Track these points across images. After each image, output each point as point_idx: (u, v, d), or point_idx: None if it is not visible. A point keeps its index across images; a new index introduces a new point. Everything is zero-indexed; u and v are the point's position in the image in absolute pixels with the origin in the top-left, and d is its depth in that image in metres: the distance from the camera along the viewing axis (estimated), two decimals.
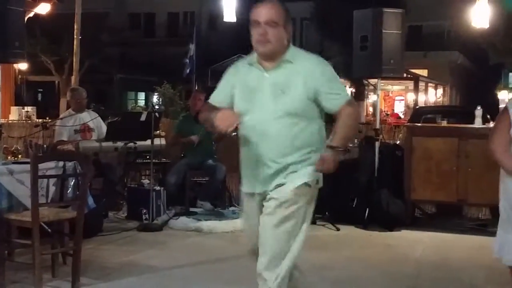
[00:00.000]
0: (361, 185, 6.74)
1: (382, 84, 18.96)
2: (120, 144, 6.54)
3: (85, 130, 6.67)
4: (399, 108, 27.57)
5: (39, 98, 29.84)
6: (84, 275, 4.51)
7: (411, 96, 26.85)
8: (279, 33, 3.04)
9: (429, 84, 27.10)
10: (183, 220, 6.44)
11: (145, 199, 6.42)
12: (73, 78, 10.09)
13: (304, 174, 3.13)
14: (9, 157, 4.88)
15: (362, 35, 6.76)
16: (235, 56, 28.73)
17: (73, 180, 4.86)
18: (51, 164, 4.72)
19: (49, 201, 4.54)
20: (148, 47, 30.60)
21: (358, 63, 6.92)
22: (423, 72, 26.04)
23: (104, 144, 6.51)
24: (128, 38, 29.72)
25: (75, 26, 9.31)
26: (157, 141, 6.63)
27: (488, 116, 6.99)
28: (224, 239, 6.00)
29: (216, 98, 3.27)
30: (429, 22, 27.41)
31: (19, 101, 15.52)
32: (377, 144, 6.78)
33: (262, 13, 3.09)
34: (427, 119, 10.26)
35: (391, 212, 6.49)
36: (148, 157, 6.99)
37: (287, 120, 2.99)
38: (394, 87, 29.49)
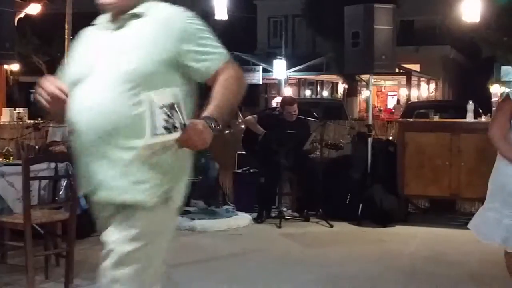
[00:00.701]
0: (354, 181, 6.75)
1: (375, 80, 19.03)
2: None
3: None
4: (392, 104, 27.65)
5: (31, 99, 29.72)
6: (78, 276, 4.49)
7: (403, 91, 26.92)
8: None
9: (422, 79, 27.17)
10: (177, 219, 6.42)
11: None
12: None
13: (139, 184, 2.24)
14: (0, 159, 4.85)
15: (354, 31, 6.76)
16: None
17: (65, 181, 4.84)
18: (43, 165, 4.70)
19: (37, 203, 4.51)
20: None
21: (350, 59, 6.92)
22: (416, 67, 26.08)
23: None
24: None
25: (66, 26, 9.27)
26: None
27: (480, 110, 7.02)
28: (218, 238, 5.99)
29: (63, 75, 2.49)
30: (421, 16, 27.46)
31: (10, 102, 15.45)
32: (370, 140, 6.79)
33: None
34: (419, 114, 10.28)
35: (384, 208, 6.50)
36: None
37: (125, 91, 2.20)
38: (387, 83, 29.58)
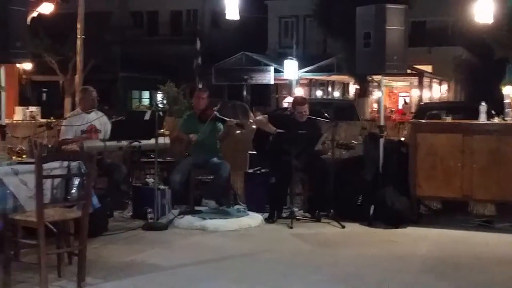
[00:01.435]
0: (366, 182, 6.72)
1: (386, 81, 18.96)
2: (124, 143, 6.54)
3: (91, 131, 6.67)
4: (400, 104, 27.59)
5: (44, 98, 29.88)
6: (90, 275, 4.52)
7: (415, 92, 26.82)
8: None
9: (434, 80, 27.06)
10: (188, 219, 6.44)
11: (150, 198, 6.42)
12: (77, 77, 10.10)
13: None
14: (13, 157, 4.88)
15: (365, 31, 6.74)
16: (239, 54, 28.91)
17: (78, 180, 4.86)
18: (56, 164, 4.72)
19: (50, 201, 4.53)
20: (151, 45, 30.61)
21: (362, 60, 6.90)
22: (428, 68, 26.00)
23: (109, 143, 6.51)
24: (131, 36, 29.75)
25: (78, 26, 9.32)
26: (161, 140, 6.63)
27: (493, 112, 6.96)
28: (229, 237, 6.00)
29: None
30: (433, 17, 27.36)
31: (23, 101, 15.53)
32: (381, 141, 6.77)
33: None
34: (431, 115, 10.23)
35: (396, 209, 6.47)
36: (152, 156, 6.99)
37: None
38: (398, 83, 29.48)
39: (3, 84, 5.87)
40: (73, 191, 4.87)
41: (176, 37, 32.01)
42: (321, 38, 29.27)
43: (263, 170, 7.23)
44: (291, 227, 6.36)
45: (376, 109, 24.38)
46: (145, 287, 4.48)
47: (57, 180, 4.67)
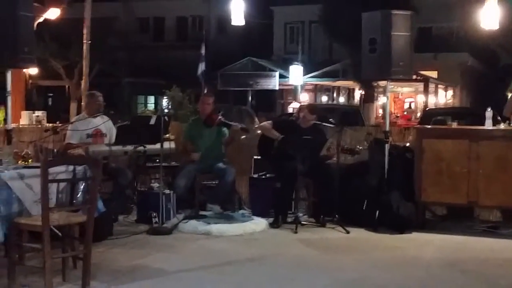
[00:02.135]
0: (371, 187, 6.71)
1: (392, 86, 18.95)
2: (129, 148, 6.55)
3: (97, 135, 6.69)
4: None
5: (50, 103, 29.98)
6: (94, 279, 4.53)
7: (421, 98, 26.77)
8: None
9: (439, 86, 27.00)
10: (193, 224, 6.44)
11: (155, 203, 6.43)
12: (83, 82, 10.14)
13: None
14: (19, 162, 4.90)
15: (371, 37, 6.74)
16: (245, 60, 28.96)
17: (83, 184, 4.88)
18: (61, 168, 4.74)
19: (55, 205, 4.54)
20: (157, 51, 30.69)
21: (367, 66, 6.90)
22: (433, 74, 25.93)
23: (114, 148, 6.53)
24: (137, 42, 29.82)
25: (84, 31, 9.37)
26: (166, 145, 6.64)
27: (499, 118, 6.94)
28: (233, 242, 5.99)
29: None
30: (439, 23, 27.32)
31: (29, 106, 15.61)
32: (387, 146, 6.76)
33: None
34: (437, 121, 10.22)
35: (401, 215, 6.46)
36: (157, 160, 6.99)
37: None
38: (404, 89, 29.42)
39: (9, 89, 5.90)
40: (79, 195, 4.89)
41: (181, 43, 32.07)
42: (326, 44, 29.27)
43: (268, 175, 7.23)
44: (295, 232, 6.35)
45: (381, 115, 24.36)
46: None
47: (62, 185, 4.69)
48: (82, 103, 8.28)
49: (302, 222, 6.67)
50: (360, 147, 7.04)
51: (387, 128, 6.97)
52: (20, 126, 9.38)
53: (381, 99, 26.48)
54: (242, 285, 4.64)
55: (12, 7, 5.53)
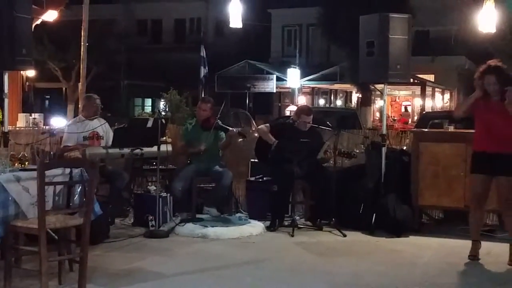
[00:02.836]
0: (368, 190, 6.72)
1: (389, 90, 18.98)
2: (126, 150, 6.54)
3: (94, 137, 6.69)
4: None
5: (47, 105, 29.96)
6: (91, 282, 4.52)
7: (418, 101, 26.82)
8: None
9: (436, 89, 27.08)
10: (190, 227, 6.44)
11: (151, 206, 6.42)
12: (80, 84, 10.11)
13: None
14: (16, 164, 4.90)
15: (369, 40, 6.75)
16: (242, 62, 28.97)
17: (80, 187, 4.87)
18: (58, 171, 4.73)
19: (52, 208, 4.53)
20: (155, 53, 30.72)
21: (365, 69, 6.90)
22: (430, 77, 25.99)
23: (111, 150, 6.52)
24: (135, 44, 29.85)
25: (82, 33, 9.34)
26: (163, 148, 6.63)
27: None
28: (230, 245, 5.99)
29: None
30: (436, 27, 27.36)
31: (26, 108, 15.58)
32: (383, 149, 6.76)
33: None
34: (434, 124, 10.21)
35: (398, 218, 6.46)
36: (154, 163, 6.99)
37: None
38: (401, 92, 29.49)
39: (6, 91, 5.89)
40: (75, 198, 4.88)
41: (179, 45, 32.10)
42: (324, 47, 29.32)
43: (265, 178, 7.23)
44: (292, 236, 6.35)
45: (378, 118, 24.38)
46: None
47: (59, 187, 4.68)
48: (79, 106, 8.26)
49: (299, 226, 6.67)
50: (357, 151, 7.04)
51: (384, 132, 6.97)
52: (17, 128, 9.36)
53: (378, 102, 26.55)
54: None
55: (10, 9, 5.54)
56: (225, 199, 7.06)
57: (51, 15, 11.33)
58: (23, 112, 11.82)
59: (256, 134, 7.45)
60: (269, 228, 6.65)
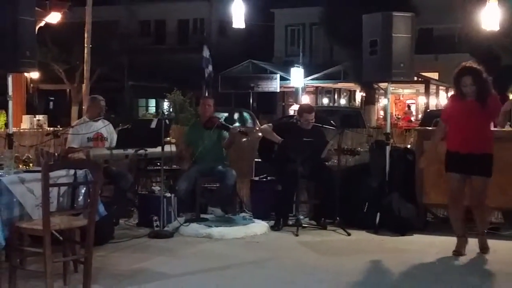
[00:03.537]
0: (372, 189, 6.71)
1: (393, 88, 18.95)
2: (130, 151, 6.55)
3: (98, 138, 6.70)
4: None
5: (51, 107, 30.01)
6: (96, 283, 4.53)
7: (422, 100, 26.77)
8: None
9: (440, 87, 27.00)
10: (194, 227, 6.44)
11: (156, 206, 6.43)
12: (84, 86, 10.16)
13: None
14: (20, 166, 4.91)
15: (372, 39, 6.74)
16: (245, 62, 28.97)
17: (84, 188, 4.88)
18: (62, 172, 4.74)
19: (56, 209, 4.54)
20: (158, 54, 30.73)
21: (368, 68, 6.90)
22: (434, 75, 25.94)
23: (115, 151, 6.52)
24: (138, 45, 29.87)
25: (85, 35, 9.38)
26: (167, 148, 6.64)
27: None
28: (235, 245, 5.99)
29: None
30: (440, 25, 27.33)
31: (31, 110, 15.62)
32: (388, 148, 6.76)
33: None
34: (438, 122, 10.18)
35: (402, 217, 6.45)
36: (158, 164, 7.00)
37: None
38: (405, 91, 29.44)
39: (10, 93, 5.91)
40: (80, 199, 4.89)
41: (183, 46, 32.12)
42: (327, 46, 29.30)
43: (269, 178, 7.23)
44: (297, 235, 6.35)
45: (382, 117, 24.36)
46: None
47: (63, 188, 4.70)
48: (83, 107, 8.28)
49: (303, 225, 6.66)
50: (361, 150, 7.03)
51: (388, 130, 6.96)
52: (21, 130, 9.38)
53: (382, 101, 26.50)
54: None
55: (13, 11, 5.55)
56: (229, 199, 7.07)
57: (54, 17, 11.36)
58: (27, 114, 11.85)
59: (260, 134, 7.44)
60: (273, 228, 6.65)
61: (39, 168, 4.55)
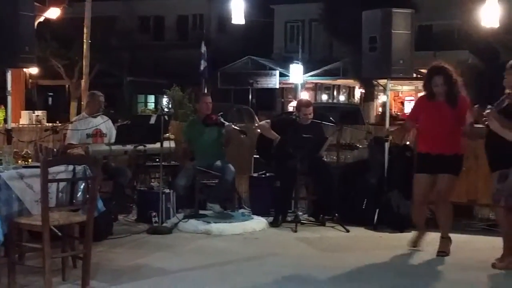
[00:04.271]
0: (371, 186, 6.71)
1: (392, 85, 18.90)
2: (129, 147, 6.55)
3: (97, 135, 6.69)
4: (408, 109, 27.55)
5: (50, 102, 30.00)
6: (94, 278, 4.53)
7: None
8: None
9: None
10: (193, 223, 6.44)
11: (154, 202, 6.43)
12: (83, 81, 10.16)
13: None
14: (19, 161, 4.90)
15: (371, 35, 6.74)
16: (245, 58, 28.94)
17: (83, 184, 4.88)
18: (61, 168, 4.74)
19: (55, 205, 4.55)
20: (157, 50, 30.69)
21: (368, 64, 6.89)
22: None
23: (114, 147, 6.52)
24: (137, 41, 29.84)
25: (84, 30, 9.37)
26: (166, 144, 6.63)
27: None
28: (233, 241, 6.00)
29: None
30: (439, 21, 27.29)
31: (30, 105, 15.62)
32: (386, 145, 6.76)
33: None
34: None
35: (401, 213, 6.45)
36: (157, 160, 7.00)
37: None
38: (404, 88, 29.44)
39: (9, 89, 5.90)
40: (79, 195, 4.89)
41: (182, 42, 32.09)
42: (327, 42, 29.28)
43: (267, 174, 7.23)
44: (295, 231, 6.35)
45: (381, 113, 24.35)
46: None
47: (62, 184, 4.69)
48: (82, 103, 8.28)
49: (302, 221, 6.67)
50: (360, 146, 7.03)
51: (387, 127, 6.96)
52: (20, 125, 9.38)
53: (381, 98, 26.50)
54: (242, 284, 4.64)
55: (12, 6, 5.53)
56: (228, 195, 7.07)
57: (53, 13, 11.35)
58: (26, 109, 11.86)
59: (258, 130, 7.44)
60: (272, 224, 6.65)
61: (38, 164, 4.55)
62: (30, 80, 20.46)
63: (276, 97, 30.40)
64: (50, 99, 30.45)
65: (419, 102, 5.95)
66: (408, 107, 27.88)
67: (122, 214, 6.85)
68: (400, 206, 6.47)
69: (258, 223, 6.58)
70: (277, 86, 27.64)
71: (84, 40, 9.29)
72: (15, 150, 5.17)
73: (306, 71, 26.56)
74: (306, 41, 31.57)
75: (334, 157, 6.90)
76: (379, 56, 6.68)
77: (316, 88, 29.27)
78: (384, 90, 7.46)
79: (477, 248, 5.81)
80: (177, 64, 27.37)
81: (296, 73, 25.96)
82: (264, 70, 27.85)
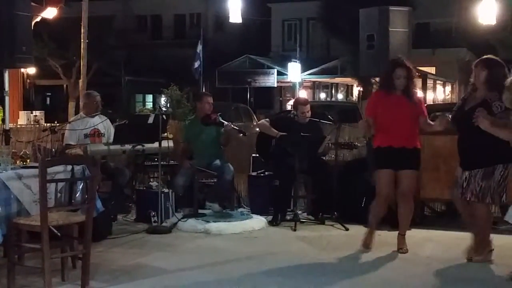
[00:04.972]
0: (370, 184, 6.71)
1: None
2: (128, 147, 6.55)
3: (95, 134, 6.69)
4: None
5: (48, 102, 29.97)
6: (94, 278, 4.53)
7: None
8: None
9: (437, 82, 27.05)
10: (192, 222, 6.45)
11: (153, 202, 6.43)
12: (81, 81, 10.13)
13: None
14: (17, 162, 4.90)
15: (369, 33, 6.74)
16: (242, 57, 28.92)
17: (82, 184, 4.88)
18: (60, 168, 4.74)
19: (54, 205, 4.54)
20: (155, 49, 30.69)
21: (365, 62, 6.90)
22: (431, 70, 25.94)
23: (112, 147, 6.53)
24: (135, 40, 29.80)
25: (82, 30, 9.35)
26: (165, 144, 6.64)
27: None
28: (233, 240, 6.00)
29: None
30: (437, 19, 27.32)
31: (27, 105, 15.62)
32: None
33: None
34: (435, 117, 10.19)
35: None
36: (156, 159, 6.99)
37: None
38: None
39: (7, 89, 5.90)
40: (77, 195, 4.88)
41: (179, 41, 32.07)
42: (324, 41, 29.29)
43: (266, 173, 7.23)
44: (295, 230, 6.35)
45: None
46: None
47: (61, 184, 4.68)
48: (80, 102, 8.27)
49: (301, 220, 6.66)
50: (359, 144, 7.03)
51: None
52: (18, 126, 9.37)
53: None
54: (241, 283, 4.64)
55: (9, 6, 5.55)
56: (227, 194, 7.07)
57: (50, 12, 11.34)
58: (24, 109, 11.85)
59: (257, 129, 7.44)
60: (271, 223, 6.66)
61: (36, 164, 4.54)
62: (28, 80, 20.46)
63: (274, 95, 30.40)
64: (48, 99, 30.43)
65: (375, 98, 5.82)
66: None
67: (121, 214, 6.85)
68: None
69: (257, 222, 6.58)
70: (275, 85, 27.63)
71: (82, 40, 9.27)
72: (13, 150, 5.17)
73: (304, 69, 26.55)
74: (304, 39, 31.56)
75: (333, 156, 6.90)
76: (377, 54, 6.68)
77: (314, 87, 29.27)
78: None
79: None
80: (174, 63, 27.36)
81: (294, 71, 25.95)
82: (262, 68, 27.84)
